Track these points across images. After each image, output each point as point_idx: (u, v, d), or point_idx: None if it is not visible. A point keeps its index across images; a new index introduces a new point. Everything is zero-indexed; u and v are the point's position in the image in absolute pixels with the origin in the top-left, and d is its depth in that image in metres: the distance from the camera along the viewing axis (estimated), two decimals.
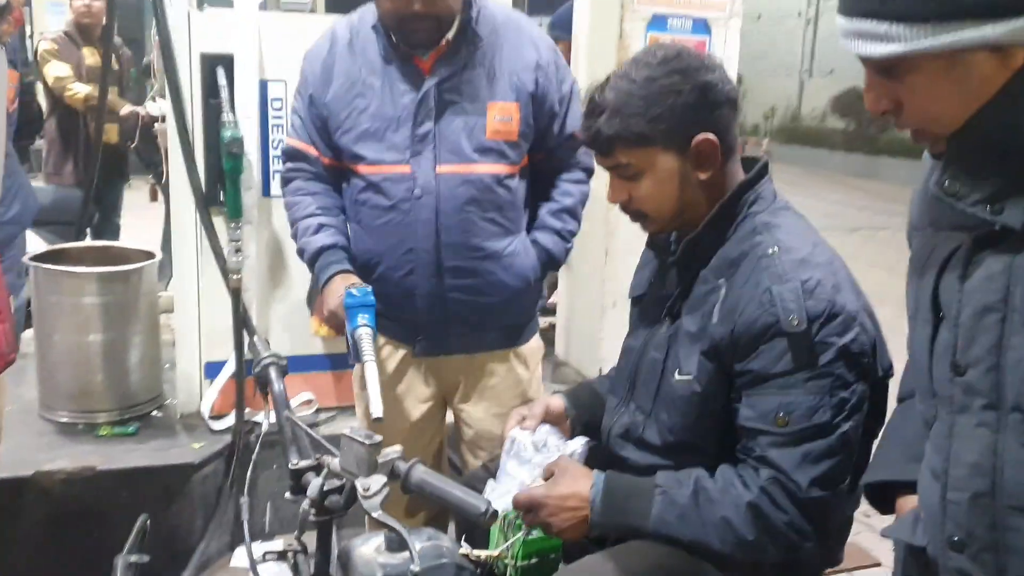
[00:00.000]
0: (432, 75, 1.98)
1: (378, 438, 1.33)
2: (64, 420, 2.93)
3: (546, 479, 1.60)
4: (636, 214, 1.61)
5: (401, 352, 2.15)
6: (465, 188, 2.00)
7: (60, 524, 2.63)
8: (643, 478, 1.53)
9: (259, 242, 2.91)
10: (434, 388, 2.19)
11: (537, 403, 1.81)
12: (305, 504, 1.38)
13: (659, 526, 1.48)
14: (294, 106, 2.14)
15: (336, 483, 1.39)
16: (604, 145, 1.54)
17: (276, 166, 2.85)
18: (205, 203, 2.79)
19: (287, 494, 1.48)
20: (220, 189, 2.81)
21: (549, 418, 1.78)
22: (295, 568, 1.49)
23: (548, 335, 4.42)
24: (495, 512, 1.29)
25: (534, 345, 2.27)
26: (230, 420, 2.93)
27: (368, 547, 1.52)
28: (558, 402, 1.81)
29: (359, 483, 1.31)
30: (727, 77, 1.55)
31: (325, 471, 1.39)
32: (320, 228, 2.06)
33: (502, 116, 2.02)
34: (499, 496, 1.63)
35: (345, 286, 1.93)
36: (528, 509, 1.55)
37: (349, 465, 1.35)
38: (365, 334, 1.84)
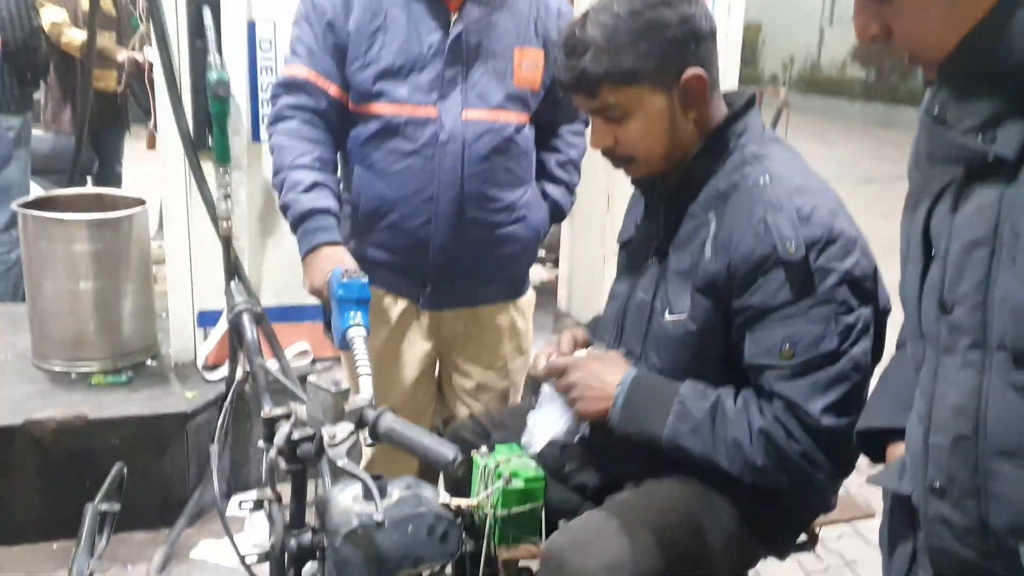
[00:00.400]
0: (460, 15, 1.88)
1: (345, 386, 1.29)
2: (57, 369, 2.91)
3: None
4: (622, 159, 1.54)
5: (402, 305, 2.07)
6: (490, 136, 1.92)
7: (51, 474, 2.62)
8: (669, 384, 1.49)
9: (250, 188, 2.85)
10: (433, 342, 2.12)
11: (563, 337, 1.76)
12: (272, 453, 1.35)
13: (672, 436, 1.45)
14: (297, 35, 1.95)
15: (308, 432, 1.35)
16: (590, 85, 1.46)
17: (265, 109, 2.78)
18: (193, 148, 2.73)
19: (260, 443, 1.44)
20: (208, 134, 2.74)
21: (577, 349, 1.74)
22: (270, 518, 1.46)
23: (551, 287, 4.38)
24: (464, 460, 1.25)
25: (530, 297, 2.23)
26: (225, 371, 2.90)
27: (345, 495, 1.48)
28: (582, 333, 1.78)
29: (325, 431, 1.27)
30: (707, 11, 1.48)
31: (293, 419, 1.35)
32: (313, 187, 1.87)
33: (529, 63, 1.95)
34: (544, 417, 1.60)
35: (334, 268, 1.74)
36: (562, 371, 1.56)
37: (316, 413, 1.31)
38: (359, 337, 1.61)
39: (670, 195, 1.54)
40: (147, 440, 2.71)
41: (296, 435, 1.33)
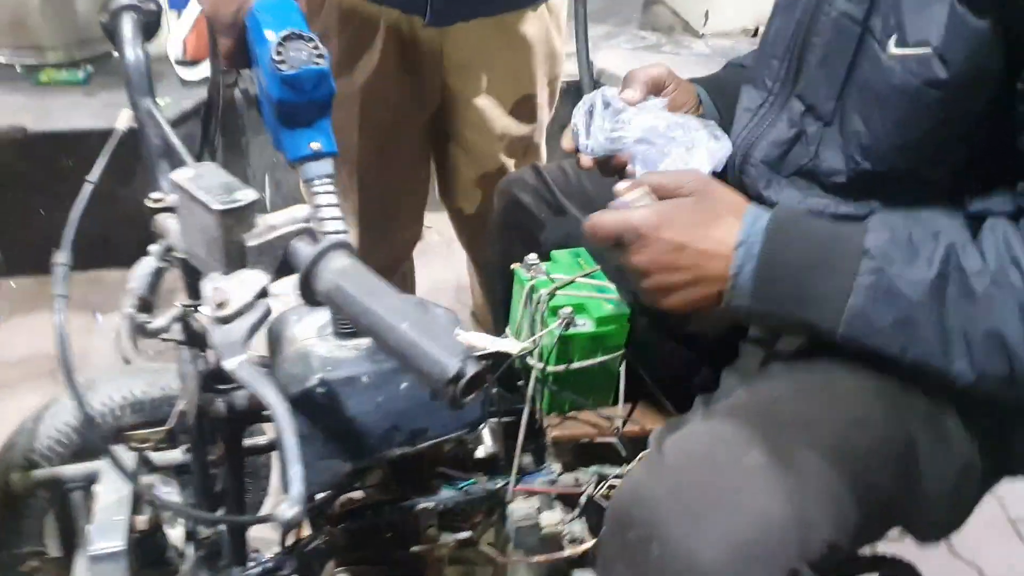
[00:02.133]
0: None
1: (252, 195, 0.63)
2: None
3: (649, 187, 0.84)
4: None
5: (390, 20, 1.31)
6: None
7: None
8: (837, 228, 0.79)
9: None
10: (438, 76, 1.40)
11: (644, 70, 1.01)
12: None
13: (858, 333, 0.76)
14: None
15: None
16: None
17: None
18: None
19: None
20: None
21: (676, 102, 1.01)
22: (181, 369, 0.89)
23: None
24: (484, 373, 0.60)
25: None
26: (206, 68, 2.25)
27: (303, 326, 0.94)
28: (689, 86, 1.04)
29: (209, 287, 0.64)
30: None
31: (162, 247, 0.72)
32: None
33: None
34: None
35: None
36: (618, 239, 0.82)
37: (193, 246, 0.67)
38: (323, 178, 0.86)
39: None
40: (110, 161, 2.12)
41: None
